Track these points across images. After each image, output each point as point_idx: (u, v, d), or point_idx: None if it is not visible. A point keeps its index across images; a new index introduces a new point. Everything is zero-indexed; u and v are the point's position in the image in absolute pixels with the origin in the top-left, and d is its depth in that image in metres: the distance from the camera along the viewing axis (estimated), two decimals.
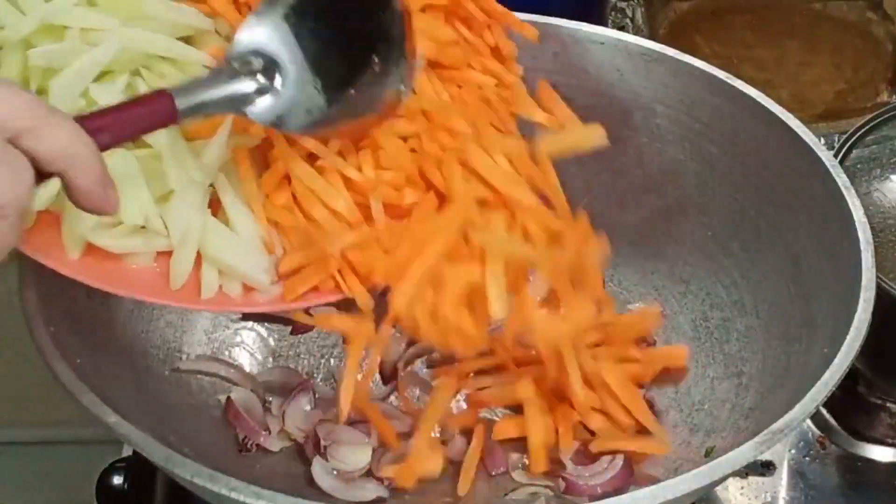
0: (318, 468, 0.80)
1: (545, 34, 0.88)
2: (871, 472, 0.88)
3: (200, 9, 0.72)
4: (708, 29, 1.21)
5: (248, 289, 0.68)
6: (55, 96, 0.64)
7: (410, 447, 0.75)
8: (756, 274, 0.85)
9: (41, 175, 0.53)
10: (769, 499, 0.86)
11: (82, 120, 0.55)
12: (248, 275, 0.68)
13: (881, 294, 0.73)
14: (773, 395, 0.77)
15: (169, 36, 0.69)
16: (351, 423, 0.83)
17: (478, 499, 0.79)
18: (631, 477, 0.78)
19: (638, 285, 0.93)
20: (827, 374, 0.67)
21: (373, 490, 0.78)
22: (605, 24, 1.14)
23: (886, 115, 0.91)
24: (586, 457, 0.79)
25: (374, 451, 0.81)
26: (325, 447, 0.80)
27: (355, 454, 0.81)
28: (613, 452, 0.79)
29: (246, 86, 0.64)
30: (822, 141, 0.83)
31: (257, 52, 0.65)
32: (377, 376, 0.89)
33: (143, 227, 0.66)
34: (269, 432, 0.83)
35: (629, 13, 1.22)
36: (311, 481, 0.79)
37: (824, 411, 0.91)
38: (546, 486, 0.79)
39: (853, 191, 0.77)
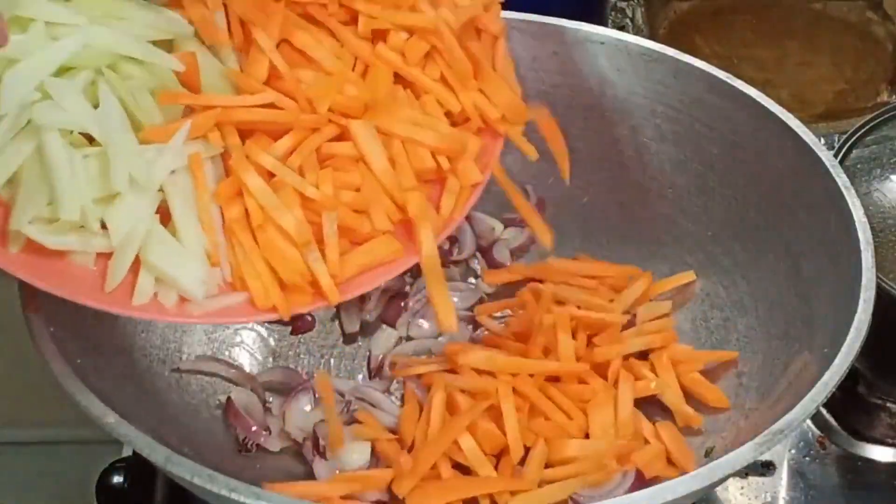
0: (318, 468, 0.80)
1: (545, 34, 0.89)
2: (871, 472, 0.88)
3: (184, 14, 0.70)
4: (708, 29, 1.21)
5: (183, 299, 0.67)
6: (7, 87, 0.63)
7: None
8: (756, 274, 0.85)
9: None
10: (769, 499, 0.86)
11: None
12: (184, 286, 0.66)
13: (881, 294, 0.73)
14: (773, 395, 0.77)
15: (144, 38, 0.68)
16: (350, 423, 0.83)
17: None
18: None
19: None
20: (827, 375, 0.67)
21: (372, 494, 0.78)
22: (605, 24, 1.14)
23: (886, 115, 0.91)
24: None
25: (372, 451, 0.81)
26: (325, 447, 0.80)
27: (355, 454, 0.80)
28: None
29: None
30: (822, 141, 0.83)
31: None
32: (364, 370, 0.90)
33: (83, 227, 0.65)
34: (269, 432, 0.83)
35: (629, 13, 1.22)
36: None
37: (824, 411, 0.91)
38: None
39: (853, 191, 0.77)
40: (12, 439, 1.46)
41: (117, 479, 0.86)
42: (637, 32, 1.18)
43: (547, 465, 0.77)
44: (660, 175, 0.91)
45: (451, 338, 0.90)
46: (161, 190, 0.67)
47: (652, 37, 1.15)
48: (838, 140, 0.89)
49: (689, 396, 0.84)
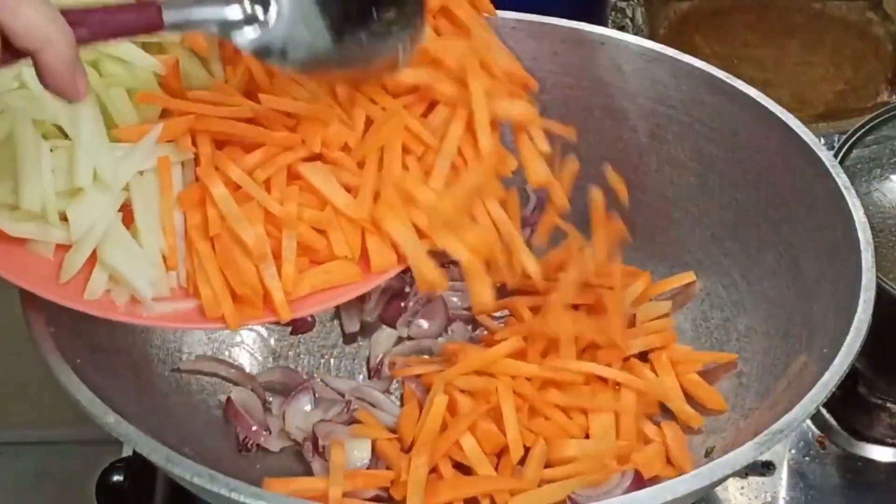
0: (317, 468, 0.80)
1: (545, 34, 0.89)
2: (871, 472, 0.88)
3: None
4: (708, 29, 1.21)
5: (135, 300, 0.67)
6: None
7: None
8: (756, 274, 0.85)
9: (13, 53, 0.54)
10: (769, 499, 0.86)
11: (65, 11, 0.56)
12: (135, 287, 0.66)
13: (881, 294, 0.73)
14: (773, 395, 0.77)
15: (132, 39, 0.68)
16: (350, 423, 0.83)
17: None
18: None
19: None
20: (827, 375, 0.67)
21: (370, 490, 0.78)
22: (605, 24, 1.15)
23: (886, 115, 0.91)
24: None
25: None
26: (325, 447, 0.80)
27: (355, 451, 0.80)
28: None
29: (232, 12, 0.63)
30: (822, 141, 0.83)
31: None
32: (364, 370, 0.90)
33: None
34: (269, 432, 0.83)
35: (629, 13, 1.22)
36: None
37: (824, 411, 0.91)
38: None
39: (853, 191, 0.77)
40: (12, 439, 1.47)
41: (117, 479, 0.86)
42: (637, 32, 1.18)
43: (546, 465, 0.77)
44: (660, 175, 0.91)
45: (450, 338, 0.90)
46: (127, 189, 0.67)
47: (652, 37, 1.15)
48: (838, 140, 0.89)
49: (688, 397, 0.84)
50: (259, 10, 0.63)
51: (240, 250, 0.68)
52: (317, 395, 0.85)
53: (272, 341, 0.91)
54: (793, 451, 0.89)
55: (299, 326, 0.91)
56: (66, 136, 0.66)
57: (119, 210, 0.67)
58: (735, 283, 0.87)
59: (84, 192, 0.65)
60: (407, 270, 0.93)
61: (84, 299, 0.66)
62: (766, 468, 0.87)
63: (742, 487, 0.86)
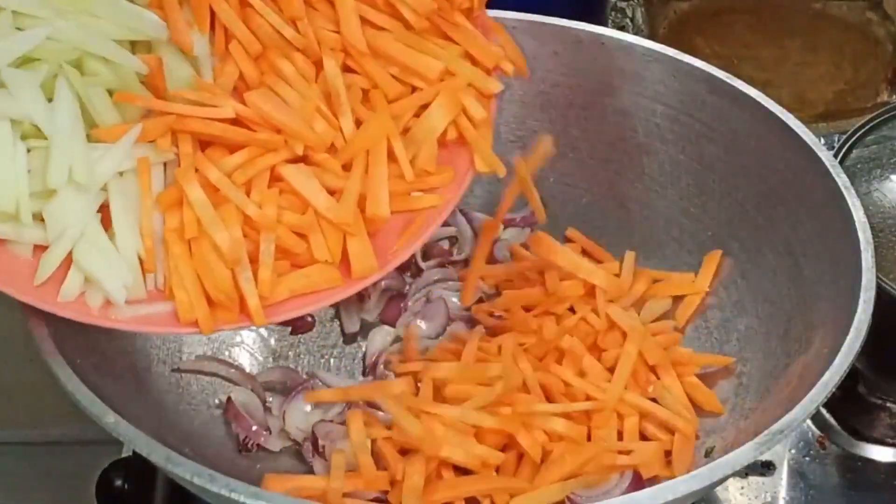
0: (317, 468, 0.80)
1: (545, 34, 0.88)
2: (871, 472, 0.89)
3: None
4: (708, 29, 1.21)
5: (109, 302, 0.66)
6: None
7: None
8: (756, 274, 0.85)
9: None
10: (769, 499, 0.86)
11: None
12: (108, 290, 0.66)
13: (881, 294, 0.73)
14: (773, 395, 0.77)
15: (112, 36, 0.68)
16: None
17: None
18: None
19: None
20: (827, 375, 0.67)
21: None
22: (605, 24, 1.14)
23: (886, 115, 0.91)
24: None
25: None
26: (325, 447, 0.80)
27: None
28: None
29: None
30: (822, 141, 0.83)
31: None
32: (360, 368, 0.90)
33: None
34: (269, 432, 0.83)
35: (629, 13, 1.22)
36: None
37: (824, 411, 0.91)
38: None
39: (853, 191, 0.77)
40: (12, 439, 1.46)
41: (117, 479, 0.86)
42: (637, 32, 1.18)
43: (544, 463, 0.77)
44: (660, 175, 0.91)
45: (449, 338, 0.90)
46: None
47: (652, 37, 1.15)
48: (838, 140, 0.89)
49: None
50: None
51: (215, 254, 0.67)
52: None
53: (272, 341, 0.91)
54: (793, 451, 0.89)
55: (299, 326, 0.91)
56: (46, 137, 0.65)
57: (99, 211, 0.67)
58: (735, 283, 0.87)
59: (58, 192, 0.64)
60: (407, 270, 0.94)
61: (58, 301, 0.65)
62: (766, 468, 0.87)
63: (742, 487, 0.86)
